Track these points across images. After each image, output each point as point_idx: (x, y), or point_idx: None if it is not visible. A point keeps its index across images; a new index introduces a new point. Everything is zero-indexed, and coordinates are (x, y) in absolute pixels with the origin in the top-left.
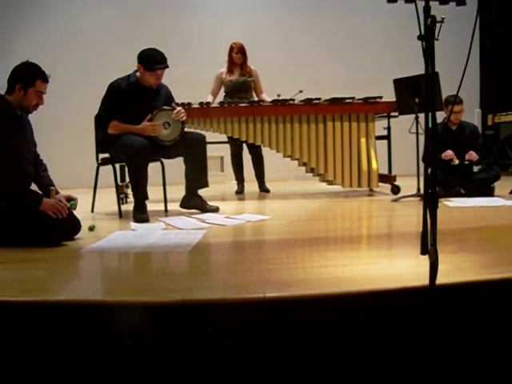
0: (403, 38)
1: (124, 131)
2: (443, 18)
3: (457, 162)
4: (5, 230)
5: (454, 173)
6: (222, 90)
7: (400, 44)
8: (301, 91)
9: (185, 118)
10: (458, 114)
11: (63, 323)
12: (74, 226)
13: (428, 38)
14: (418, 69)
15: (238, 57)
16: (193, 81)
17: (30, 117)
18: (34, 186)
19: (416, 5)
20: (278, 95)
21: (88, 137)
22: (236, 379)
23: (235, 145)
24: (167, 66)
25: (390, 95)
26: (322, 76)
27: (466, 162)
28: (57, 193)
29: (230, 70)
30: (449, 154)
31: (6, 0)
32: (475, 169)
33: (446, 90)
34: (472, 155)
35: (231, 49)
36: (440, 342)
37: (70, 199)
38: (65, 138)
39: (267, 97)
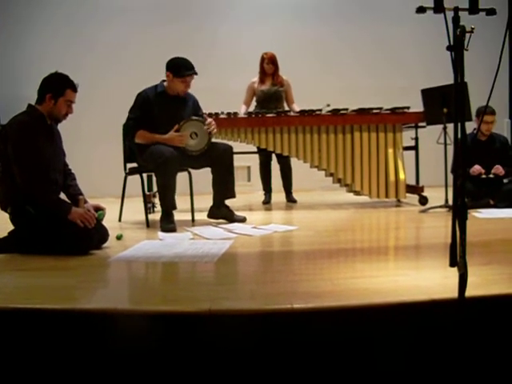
0: (432, 47)
1: (151, 141)
2: (473, 29)
3: (484, 176)
4: (34, 238)
5: (484, 184)
6: (254, 99)
7: (429, 53)
8: (328, 105)
9: (215, 130)
10: (489, 125)
11: (90, 331)
12: (101, 235)
13: (457, 49)
14: (447, 78)
15: (269, 67)
16: (219, 90)
17: (60, 127)
18: (62, 195)
19: (445, 15)
20: (328, 105)
21: (116, 146)
22: None
23: (264, 154)
24: (196, 73)
25: (419, 105)
26: (351, 85)
27: (492, 176)
28: (85, 202)
29: (261, 80)
30: (476, 169)
31: (30, 13)
32: (505, 180)
33: (475, 101)
34: (498, 169)
35: (262, 59)
36: (469, 356)
37: (98, 209)
38: (93, 148)
39: (297, 107)
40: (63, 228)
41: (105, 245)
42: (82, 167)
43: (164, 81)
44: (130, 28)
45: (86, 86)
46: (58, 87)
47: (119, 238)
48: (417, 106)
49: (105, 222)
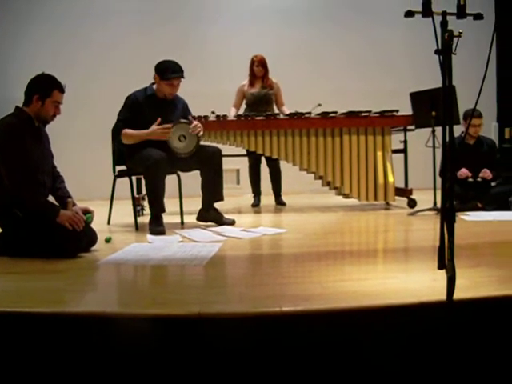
0: (422, 51)
1: (136, 138)
2: (460, 33)
3: (471, 179)
4: (22, 240)
5: (471, 187)
6: (244, 102)
7: (419, 57)
8: (319, 105)
9: (201, 132)
10: (477, 128)
11: (79, 335)
12: (90, 237)
13: (445, 53)
14: (437, 82)
15: (258, 70)
16: (208, 94)
17: (48, 129)
18: (51, 198)
19: (433, 19)
20: (319, 105)
21: (105, 149)
22: None
23: (253, 157)
24: (183, 76)
25: (408, 108)
26: (341, 88)
27: (479, 179)
28: (74, 205)
29: (251, 83)
30: (463, 172)
31: (18, 13)
32: (493, 183)
33: (463, 104)
34: (486, 173)
35: (252, 62)
36: (457, 358)
37: (86, 212)
38: (82, 150)
39: (287, 109)
40: (52, 231)
41: (93, 248)
42: (71, 169)
43: (153, 83)
44: (120, 31)
45: (75, 87)
46: (45, 88)
47: (108, 240)
48: (406, 109)
49: (94, 225)
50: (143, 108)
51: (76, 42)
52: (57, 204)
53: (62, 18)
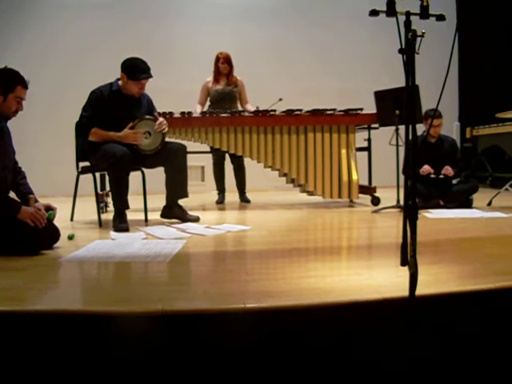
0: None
1: (105, 138)
2: (423, 33)
3: (433, 176)
4: None
5: (434, 185)
6: (208, 99)
7: (386, 55)
8: (280, 99)
9: (166, 129)
10: (436, 128)
11: (41, 333)
12: (52, 234)
13: (408, 52)
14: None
15: (224, 67)
16: (174, 90)
17: (12, 125)
18: (12, 194)
19: (397, 19)
20: (257, 108)
21: (68, 145)
22: None
23: (217, 154)
24: (151, 76)
25: (373, 106)
26: (308, 85)
27: (442, 176)
28: (35, 201)
29: (216, 80)
30: (426, 169)
31: None
32: (454, 181)
33: (426, 103)
34: (448, 170)
35: (217, 59)
36: (419, 353)
37: (48, 208)
38: (45, 146)
39: (251, 107)
40: (13, 227)
41: (56, 245)
42: (33, 165)
43: (119, 79)
44: (84, 27)
45: (35, 81)
46: (7, 83)
47: (71, 237)
48: (370, 107)
49: (56, 222)
50: (108, 104)
51: (39, 37)
52: (18, 200)
53: (27, 15)
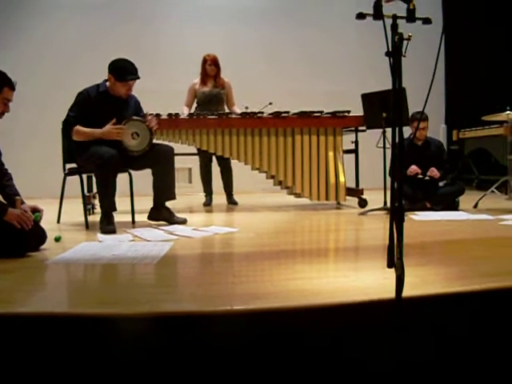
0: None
1: (89, 136)
2: (410, 36)
3: (420, 176)
4: None
5: (420, 187)
6: (195, 101)
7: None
8: (270, 103)
9: (157, 126)
10: (422, 131)
11: (27, 336)
12: (39, 236)
13: (395, 55)
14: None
15: (211, 69)
16: (162, 92)
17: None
18: None
19: (384, 22)
20: (246, 108)
21: (56, 147)
22: None
23: (205, 156)
24: (139, 77)
25: (360, 109)
26: (299, 87)
27: (427, 178)
28: (22, 203)
29: (203, 82)
30: (413, 169)
31: None
32: (440, 183)
33: (413, 106)
34: (433, 172)
35: (204, 61)
36: (405, 355)
37: (35, 210)
38: (31, 147)
39: (238, 109)
40: None
41: (43, 247)
42: (20, 167)
43: (106, 80)
44: (71, 27)
45: (24, 83)
46: None
47: (58, 239)
48: (358, 110)
49: (43, 224)
50: (95, 105)
51: (23, 37)
52: (4, 202)
53: (8, 13)
